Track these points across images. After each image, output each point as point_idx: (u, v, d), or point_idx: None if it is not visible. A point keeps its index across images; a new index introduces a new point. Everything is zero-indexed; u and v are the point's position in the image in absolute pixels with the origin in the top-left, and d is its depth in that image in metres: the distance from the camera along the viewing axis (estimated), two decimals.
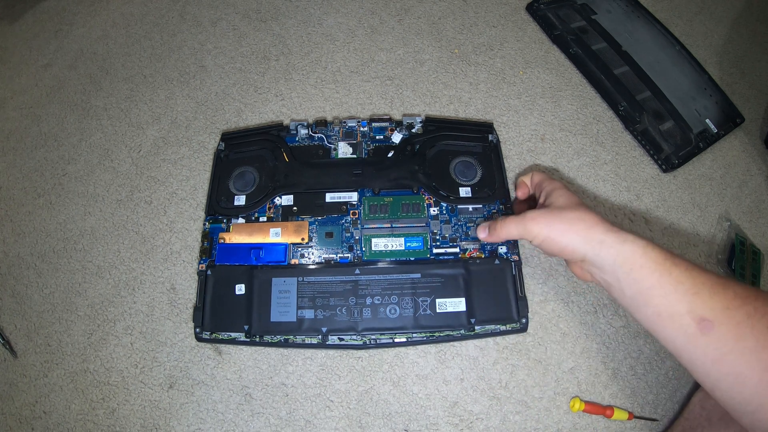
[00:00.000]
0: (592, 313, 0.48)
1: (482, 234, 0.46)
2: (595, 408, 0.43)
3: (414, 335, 0.45)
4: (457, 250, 0.48)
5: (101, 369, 0.47)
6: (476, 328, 0.45)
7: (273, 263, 0.47)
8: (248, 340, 0.45)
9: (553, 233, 0.40)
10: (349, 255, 0.48)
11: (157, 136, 0.58)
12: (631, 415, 0.43)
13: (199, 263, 0.48)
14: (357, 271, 0.46)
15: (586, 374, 0.45)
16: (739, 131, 0.59)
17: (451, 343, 0.46)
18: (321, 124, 0.55)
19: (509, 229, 0.43)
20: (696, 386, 0.45)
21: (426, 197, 0.50)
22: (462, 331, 0.45)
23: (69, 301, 0.50)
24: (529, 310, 0.46)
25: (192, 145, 0.57)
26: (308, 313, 0.45)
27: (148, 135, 0.58)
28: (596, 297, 0.49)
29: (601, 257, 0.37)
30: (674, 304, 0.33)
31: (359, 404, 0.44)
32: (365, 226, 0.49)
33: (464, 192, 0.51)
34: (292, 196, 0.51)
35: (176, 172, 0.56)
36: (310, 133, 0.54)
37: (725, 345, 0.31)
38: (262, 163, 0.53)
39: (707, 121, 0.58)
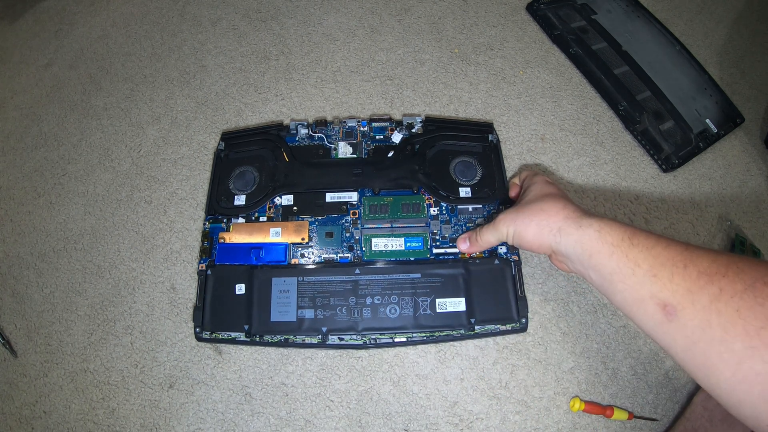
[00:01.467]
0: (592, 313, 0.48)
1: (463, 246, 0.46)
2: (595, 408, 0.43)
3: (414, 335, 0.45)
4: (457, 250, 0.48)
5: (101, 369, 0.47)
6: (476, 328, 0.45)
7: (273, 263, 0.47)
8: (248, 339, 0.45)
9: (518, 228, 0.40)
10: (349, 255, 0.48)
11: (157, 135, 0.58)
12: (631, 415, 0.43)
13: (199, 263, 0.48)
14: (357, 271, 0.46)
15: (586, 374, 0.45)
16: (739, 131, 0.59)
17: (451, 343, 0.46)
18: (321, 123, 0.55)
19: (486, 236, 0.43)
20: (698, 386, 0.45)
21: (426, 197, 0.50)
22: (462, 331, 0.45)
23: (69, 301, 0.50)
24: (529, 310, 0.46)
25: (192, 145, 0.57)
26: (308, 313, 0.45)
27: (148, 135, 0.59)
28: (596, 297, 0.49)
29: (564, 246, 0.36)
30: (636, 288, 0.31)
31: (359, 404, 0.44)
32: (365, 226, 0.49)
33: (464, 192, 0.51)
34: (292, 196, 0.51)
35: (176, 171, 0.56)
36: (310, 132, 0.54)
37: (693, 333, 0.28)
38: (262, 163, 0.53)
39: (707, 121, 0.58)
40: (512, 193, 0.50)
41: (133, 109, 0.60)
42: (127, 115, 0.60)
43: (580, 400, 0.44)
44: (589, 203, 0.53)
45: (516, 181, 0.49)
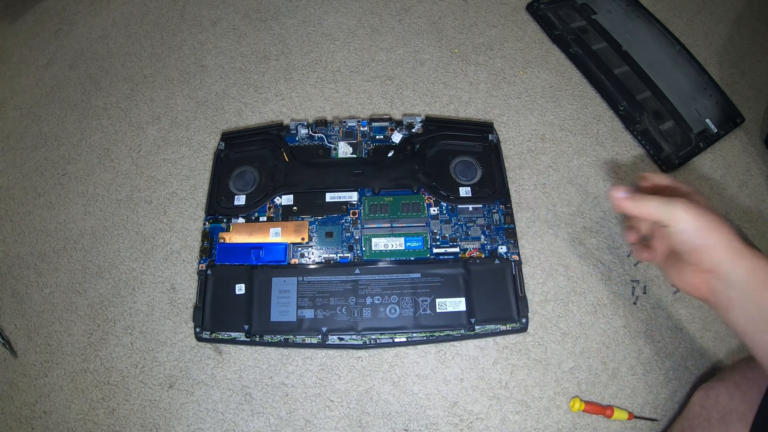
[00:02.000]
0: (592, 313, 0.48)
1: (620, 194, 0.38)
2: (595, 408, 0.43)
3: (414, 335, 0.45)
4: (457, 249, 0.48)
5: (101, 369, 0.47)
6: (476, 327, 0.45)
7: (273, 263, 0.47)
8: (248, 339, 0.45)
9: (701, 227, 0.35)
10: (349, 255, 0.48)
11: (157, 135, 0.58)
12: (631, 415, 0.43)
13: (199, 263, 0.48)
14: (357, 271, 0.46)
15: (586, 374, 0.45)
16: (739, 131, 0.59)
17: (451, 343, 0.46)
18: (321, 123, 0.55)
19: (654, 204, 0.37)
20: (695, 386, 0.45)
21: (426, 197, 0.50)
22: (462, 331, 0.45)
23: (69, 301, 0.50)
24: (529, 310, 0.46)
25: (192, 145, 0.57)
26: (308, 313, 0.45)
27: (148, 135, 0.59)
28: (596, 297, 0.49)
29: (735, 268, 0.34)
30: None
31: (359, 404, 0.44)
32: (365, 226, 0.49)
33: (464, 192, 0.51)
34: (292, 195, 0.51)
35: (176, 171, 0.56)
36: (310, 132, 0.54)
37: None
38: (262, 163, 0.53)
39: (707, 121, 0.58)
40: (646, 183, 0.41)
41: (133, 109, 0.60)
42: (127, 115, 0.60)
43: (580, 400, 0.44)
44: (589, 203, 0.53)
45: (651, 177, 0.41)
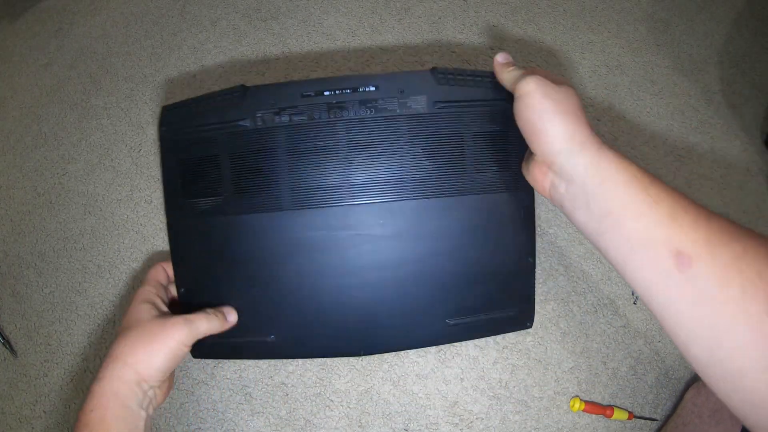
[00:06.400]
0: (592, 313, 0.48)
1: (500, 59, 0.37)
2: (595, 408, 0.43)
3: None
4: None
5: None
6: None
7: None
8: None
9: (544, 105, 0.32)
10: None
11: (157, 135, 0.58)
12: (631, 415, 0.44)
13: None
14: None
15: (586, 374, 0.45)
16: (739, 131, 0.59)
17: (451, 343, 0.46)
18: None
19: (510, 73, 0.36)
20: (688, 384, 0.45)
21: None
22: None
23: (69, 301, 0.50)
24: None
25: None
26: None
27: (148, 134, 0.58)
28: (596, 297, 0.49)
29: (575, 160, 0.31)
30: (648, 229, 0.28)
31: (359, 404, 0.44)
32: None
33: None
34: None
35: None
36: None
37: (705, 288, 0.26)
38: None
39: None
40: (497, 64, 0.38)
41: (133, 109, 0.60)
42: (127, 115, 0.60)
43: (580, 400, 0.44)
44: None
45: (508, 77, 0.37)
